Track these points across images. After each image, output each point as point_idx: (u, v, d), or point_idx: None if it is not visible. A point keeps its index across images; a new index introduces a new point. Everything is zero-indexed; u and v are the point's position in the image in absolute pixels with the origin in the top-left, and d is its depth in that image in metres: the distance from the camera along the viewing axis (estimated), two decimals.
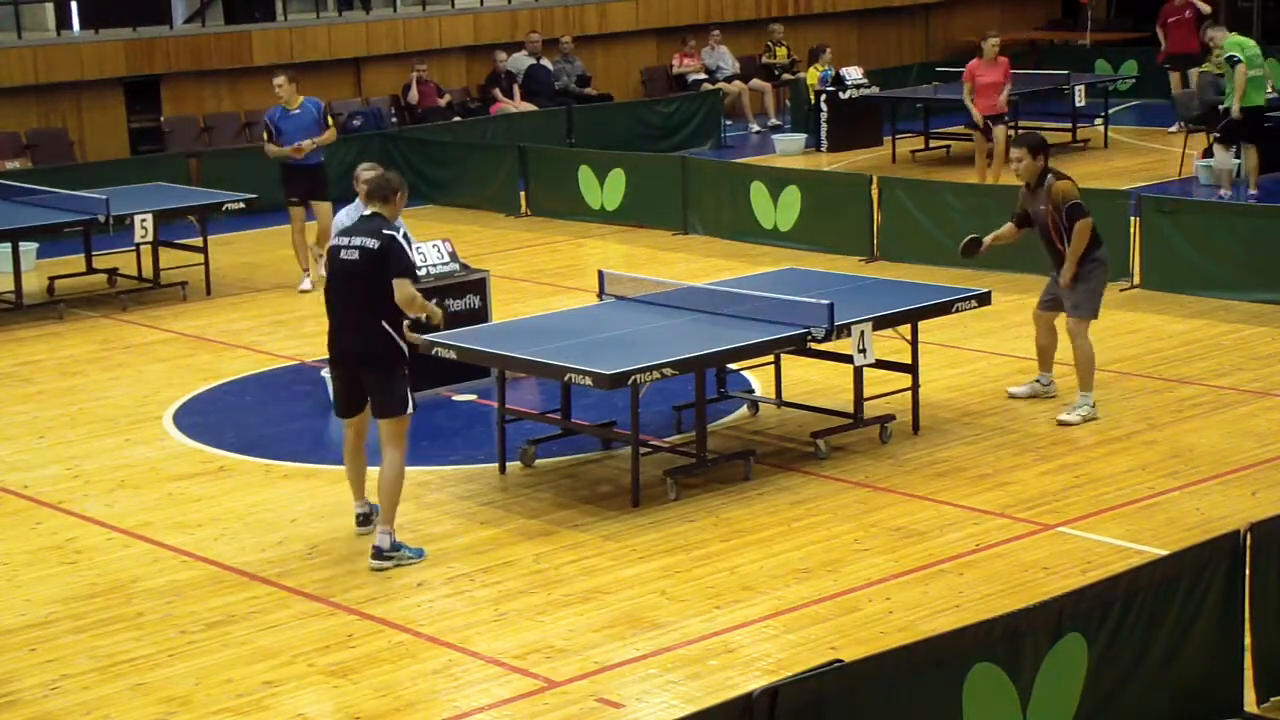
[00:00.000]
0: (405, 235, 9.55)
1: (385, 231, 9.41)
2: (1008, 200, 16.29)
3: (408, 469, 10.91)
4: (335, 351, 9.67)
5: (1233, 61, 18.20)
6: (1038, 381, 11.95)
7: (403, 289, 9.32)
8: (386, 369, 9.42)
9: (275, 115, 16.64)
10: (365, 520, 9.97)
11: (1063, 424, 11.31)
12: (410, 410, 9.52)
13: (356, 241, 9.47)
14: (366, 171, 12.93)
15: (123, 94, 22.68)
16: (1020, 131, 12.06)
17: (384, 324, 9.37)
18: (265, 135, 16.80)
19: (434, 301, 10.23)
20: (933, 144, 23.08)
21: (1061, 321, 11.60)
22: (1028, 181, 11.56)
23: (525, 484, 10.72)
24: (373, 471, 9.88)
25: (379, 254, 9.34)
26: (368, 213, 9.70)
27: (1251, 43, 18.58)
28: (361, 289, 9.42)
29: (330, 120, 16.78)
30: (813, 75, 24.36)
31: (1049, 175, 11.49)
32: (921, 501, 10.13)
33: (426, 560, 9.45)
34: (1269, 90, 18.94)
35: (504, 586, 9.08)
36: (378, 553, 9.44)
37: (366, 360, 9.46)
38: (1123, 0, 24.37)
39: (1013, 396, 11.95)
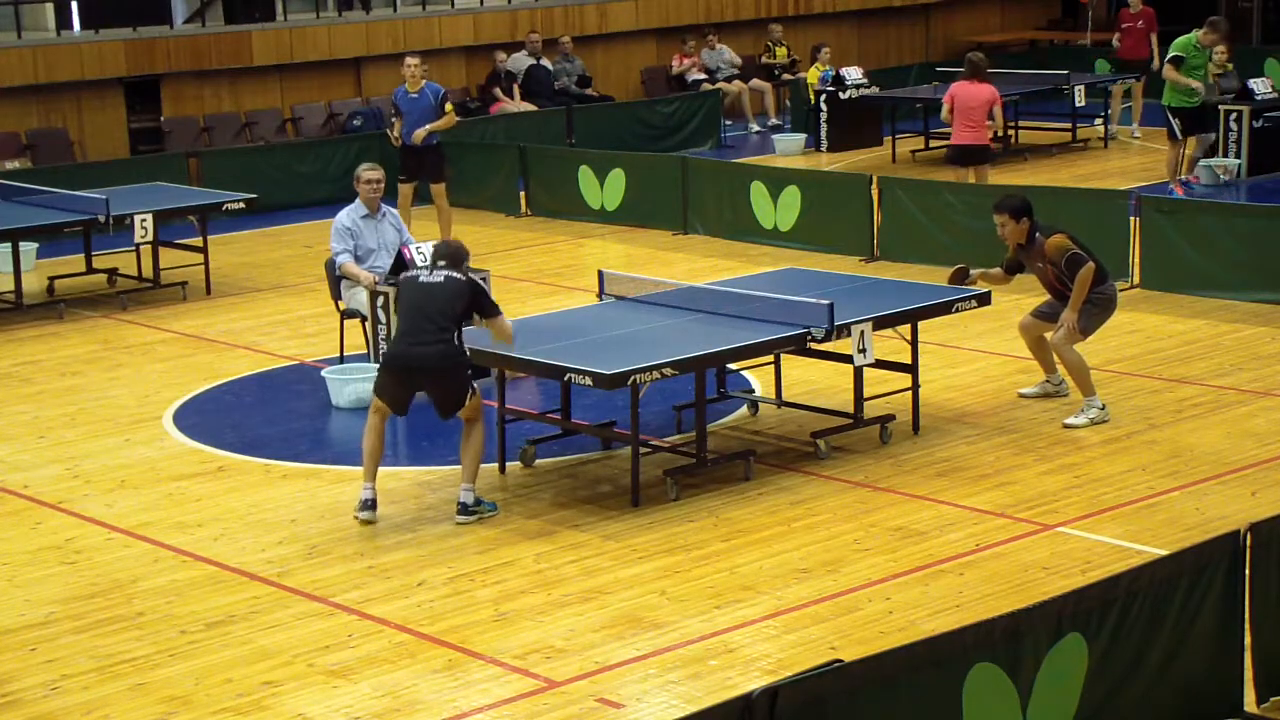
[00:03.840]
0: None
1: (470, 275, 10.05)
2: None
3: (409, 469, 10.99)
4: (398, 360, 9.95)
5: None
6: (1047, 382, 11.94)
7: (504, 326, 10.05)
8: (450, 376, 9.87)
9: (399, 95, 17.41)
10: (368, 505, 10.03)
11: (1068, 427, 11.29)
12: (473, 397, 9.94)
13: (444, 269, 10.02)
14: (367, 171, 12.97)
15: (123, 94, 22.68)
16: (999, 197, 11.86)
17: (455, 338, 9.85)
18: (391, 114, 17.59)
19: None
20: (933, 144, 23.06)
21: (1050, 333, 11.61)
22: (1019, 243, 11.52)
23: (525, 484, 10.72)
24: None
25: (467, 288, 9.94)
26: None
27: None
28: (440, 306, 9.85)
29: (448, 107, 17.19)
30: (813, 75, 24.34)
31: (1037, 234, 11.45)
32: (921, 501, 10.13)
33: (426, 560, 9.45)
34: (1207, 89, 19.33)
35: (504, 586, 9.08)
36: (463, 508, 9.98)
37: (432, 370, 9.84)
38: (1123, 0, 24.42)
39: (1024, 397, 11.93)
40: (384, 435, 10.09)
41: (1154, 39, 23.46)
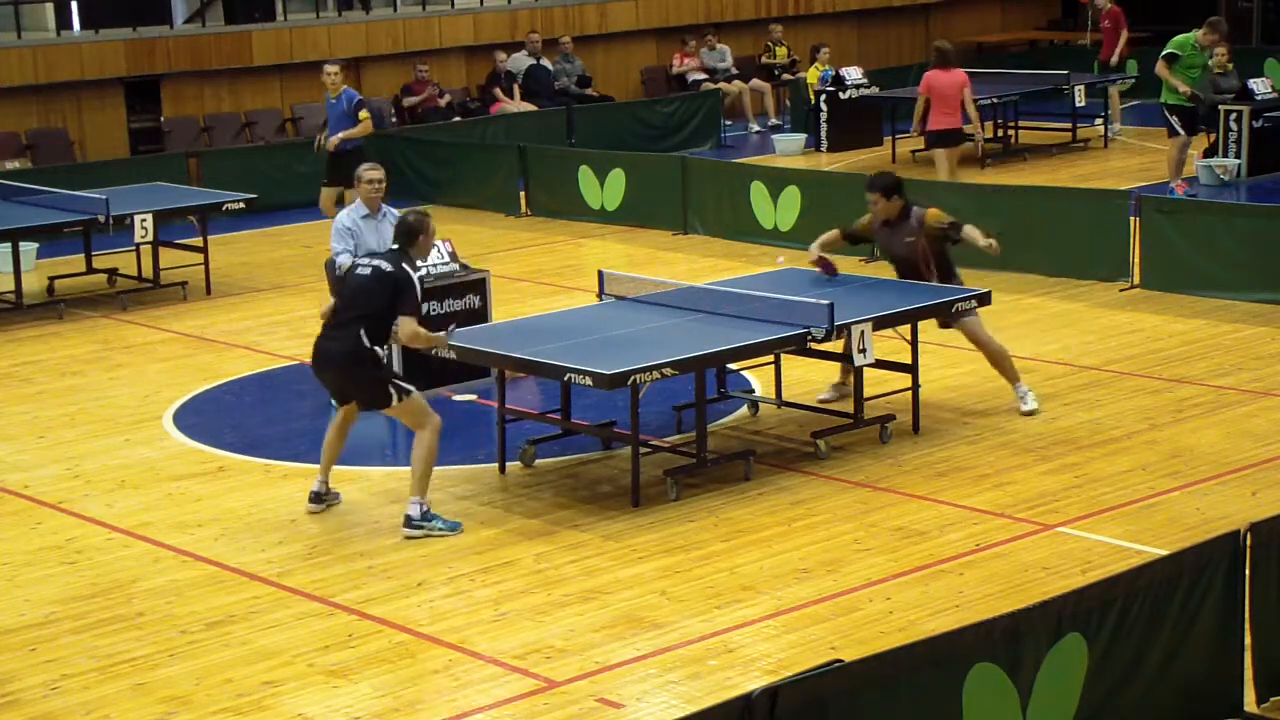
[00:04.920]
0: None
1: (405, 265, 9.79)
2: (1006, 199, 16.32)
3: (408, 469, 10.94)
4: (314, 354, 10.02)
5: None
6: (843, 384, 11.95)
7: (407, 326, 9.72)
8: (350, 374, 9.81)
9: (326, 103, 17.97)
10: (316, 498, 10.23)
11: (1029, 414, 11.48)
12: (402, 398, 9.74)
13: (375, 262, 9.90)
14: (368, 171, 12.95)
15: (123, 94, 22.68)
16: (872, 173, 12.06)
17: (361, 332, 9.67)
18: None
19: (448, 327, 10.59)
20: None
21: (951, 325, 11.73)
22: (886, 219, 11.59)
23: (525, 484, 10.72)
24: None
25: (390, 278, 9.71)
26: (396, 248, 9.98)
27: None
28: (360, 301, 9.79)
29: (361, 114, 17.44)
30: (813, 75, 24.35)
31: (912, 208, 11.55)
32: (921, 501, 10.13)
33: (426, 560, 9.45)
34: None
35: (504, 586, 9.08)
36: (407, 521, 9.76)
37: (333, 362, 9.85)
38: (1123, 0, 24.45)
39: (823, 402, 11.90)
40: (344, 435, 10.19)
41: (1122, 38, 23.65)
